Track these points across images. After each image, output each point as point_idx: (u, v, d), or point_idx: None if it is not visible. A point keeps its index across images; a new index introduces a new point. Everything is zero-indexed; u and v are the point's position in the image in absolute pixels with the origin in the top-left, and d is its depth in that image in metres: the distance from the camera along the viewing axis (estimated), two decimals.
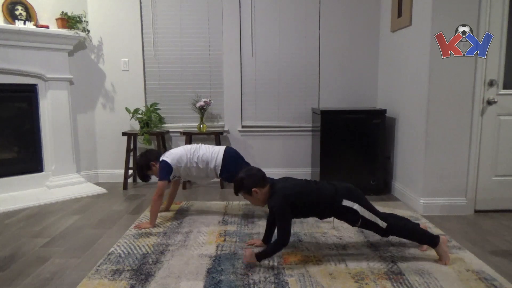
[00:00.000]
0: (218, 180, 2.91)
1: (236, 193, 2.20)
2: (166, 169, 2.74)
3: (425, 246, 2.28)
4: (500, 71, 2.88)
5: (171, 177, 2.81)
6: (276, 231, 2.19)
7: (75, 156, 3.92)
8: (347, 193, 2.11)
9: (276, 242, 2.08)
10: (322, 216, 2.21)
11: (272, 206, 2.12)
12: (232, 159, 2.82)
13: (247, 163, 2.95)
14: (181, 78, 4.07)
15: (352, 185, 2.18)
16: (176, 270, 2.08)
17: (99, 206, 3.30)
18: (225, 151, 2.82)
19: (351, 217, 2.11)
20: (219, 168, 2.78)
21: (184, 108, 4.10)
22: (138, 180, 4.15)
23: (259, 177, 2.17)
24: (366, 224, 2.12)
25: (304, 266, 2.11)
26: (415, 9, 3.08)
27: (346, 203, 2.08)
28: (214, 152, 2.81)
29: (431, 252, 2.20)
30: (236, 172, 2.76)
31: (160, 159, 2.78)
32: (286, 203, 2.07)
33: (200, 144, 2.91)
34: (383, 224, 2.10)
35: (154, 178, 2.93)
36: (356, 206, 2.07)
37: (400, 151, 3.43)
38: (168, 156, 2.77)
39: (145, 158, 2.84)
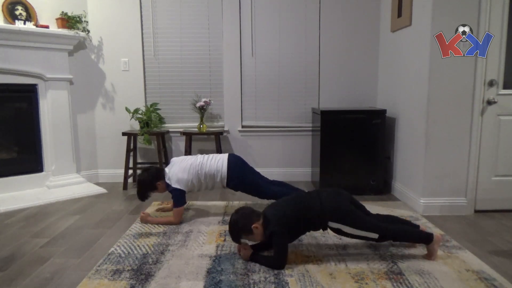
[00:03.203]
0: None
1: (238, 239, 2.16)
2: (181, 196, 2.76)
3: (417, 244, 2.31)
4: (500, 71, 2.88)
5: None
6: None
7: (75, 156, 3.92)
8: (334, 214, 2.10)
9: (271, 263, 2.10)
10: (317, 229, 2.22)
11: (269, 233, 2.09)
12: (237, 168, 2.82)
13: (251, 168, 2.93)
14: (181, 78, 4.07)
15: (342, 197, 2.15)
16: (176, 270, 2.08)
17: (99, 206, 3.30)
18: (229, 161, 2.81)
19: (340, 233, 2.14)
20: (225, 180, 2.80)
21: (184, 108, 4.10)
22: None
23: (250, 211, 2.17)
24: (357, 237, 2.14)
25: (304, 266, 2.11)
26: (415, 9, 3.08)
27: (332, 224, 2.11)
28: (218, 165, 2.79)
29: None
30: (242, 178, 2.81)
31: (171, 184, 2.75)
32: (282, 227, 2.08)
33: (202, 158, 2.85)
34: (374, 235, 2.11)
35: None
36: (342, 228, 2.10)
37: (400, 151, 3.43)
38: (177, 182, 2.74)
39: (150, 178, 2.78)
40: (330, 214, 2.10)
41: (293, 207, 2.16)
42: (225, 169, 2.78)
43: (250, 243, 2.25)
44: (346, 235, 2.14)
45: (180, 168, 2.79)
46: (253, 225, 2.09)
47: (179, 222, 2.78)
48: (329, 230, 2.18)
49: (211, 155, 2.89)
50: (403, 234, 2.18)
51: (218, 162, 2.81)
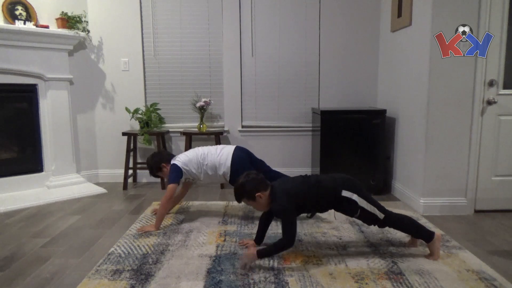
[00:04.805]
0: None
1: (239, 200, 2.16)
2: (176, 173, 2.72)
3: (416, 242, 2.32)
4: (500, 71, 2.88)
5: (182, 180, 2.82)
6: (269, 231, 2.30)
7: (75, 156, 3.92)
8: (345, 184, 2.13)
9: (281, 243, 2.06)
10: (323, 209, 2.24)
11: (275, 209, 2.11)
12: (241, 163, 2.72)
13: (261, 161, 2.89)
14: (181, 78, 4.07)
15: (350, 176, 2.20)
16: (176, 270, 2.08)
17: (99, 206, 3.30)
18: (233, 155, 2.73)
19: (350, 208, 2.13)
20: (228, 174, 2.73)
21: (184, 108, 4.10)
22: (138, 180, 4.16)
23: (259, 180, 2.13)
24: (364, 215, 2.13)
25: (304, 266, 2.11)
26: (415, 9, 3.08)
27: (345, 193, 2.10)
28: (222, 158, 2.73)
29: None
30: None
31: (171, 162, 2.78)
32: (290, 204, 2.07)
33: (209, 148, 2.84)
34: (380, 215, 2.12)
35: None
36: (355, 197, 2.09)
37: (400, 151, 3.43)
38: (179, 160, 2.77)
39: (157, 159, 2.83)
40: (343, 183, 2.12)
41: (303, 184, 2.16)
42: (228, 163, 2.71)
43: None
44: (355, 211, 2.11)
45: (185, 153, 2.86)
46: (258, 194, 2.08)
47: (170, 198, 2.68)
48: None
49: (218, 148, 2.82)
50: (406, 223, 2.18)
51: (222, 156, 2.74)
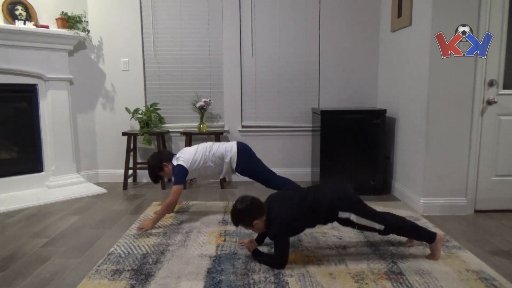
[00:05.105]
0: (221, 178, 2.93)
1: (236, 225, 2.18)
2: (182, 174, 2.72)
3: (413, 241, 2.32)
4: (500, 71, 2.88)
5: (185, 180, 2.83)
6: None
7: (75, 156, 3.92)
8: (342, 203, 2.10)
9: (271, 260, 2.13)
10: (322, 224, 2.27)
11: (270, 235, 2.13)
12: (246, 152, 2.85)
13: (259, 159, 2.92)
14: (181, 78, 4.07)
15: (347, 188, 2.16)
16: (176, 270, 2.08)
17: (99, 206, 3.30)
18: (238, 145, 2.86)
19: (347, 225, 2.13)
20: (235, 160, 2.79)
21: (184, 108, 4.10)
22: (138, 180, 4.15)
23: (256, 207, 2.11)
24: (364, 228, 2.13)
25: (304, 266, 2.11)
26: (415, 9, 3.08)
27: (342, 214, 2.09)
28: (227, 146, 2.84)
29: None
30: (250, 166, 2.81)
31: (175, 164, 2.77)
32: (285, 231, 2.09)
33: (212, 142, 2.92)
34: (380, 227, 2.10)
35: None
36: (352, 217, 2.07)
37: (400, 151, 3.43)
38: (183, 160, 2.75)
39: (158, 158, 2.83)
40: (340, 204, 2.09)
41: (299, 205, 2.12)
42: (234, 150, 2.81)
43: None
44: (353, 226, 2.11)
45: (188, 148, 2.86)
46: (255, 222, 2.09)
47: (176, 200, 2.72)
48: (334, 224, 2.17)
49: (221, 142, 2.93)
50: (408, 228, 2.18)
51: (226, 145, 2.86)
